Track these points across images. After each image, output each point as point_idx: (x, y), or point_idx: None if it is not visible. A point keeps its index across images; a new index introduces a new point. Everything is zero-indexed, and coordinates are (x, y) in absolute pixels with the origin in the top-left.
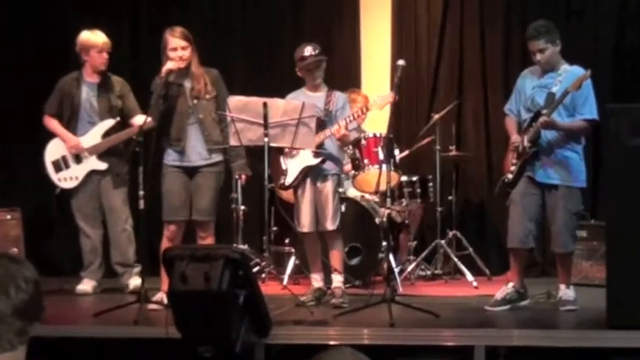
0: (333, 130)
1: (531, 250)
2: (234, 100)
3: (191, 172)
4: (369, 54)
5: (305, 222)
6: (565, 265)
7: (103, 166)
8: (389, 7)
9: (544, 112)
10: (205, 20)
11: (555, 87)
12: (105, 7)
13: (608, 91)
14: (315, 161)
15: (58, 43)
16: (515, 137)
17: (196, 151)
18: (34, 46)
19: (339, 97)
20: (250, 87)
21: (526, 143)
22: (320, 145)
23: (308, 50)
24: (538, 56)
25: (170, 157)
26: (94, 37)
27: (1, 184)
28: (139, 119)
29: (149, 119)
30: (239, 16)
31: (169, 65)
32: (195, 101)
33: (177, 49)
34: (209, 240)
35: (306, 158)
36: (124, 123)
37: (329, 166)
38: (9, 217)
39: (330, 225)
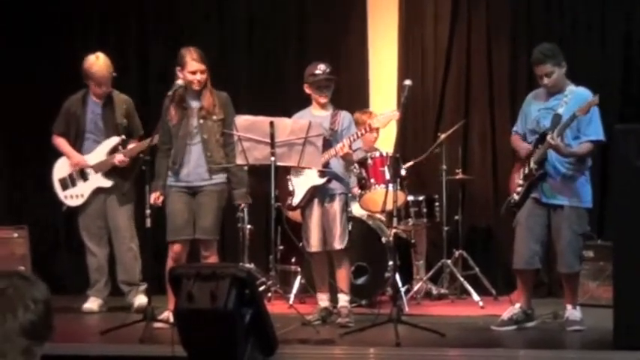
0: (337, 149)
1: (537, 271)
2: (241, 120)
3: (193, 191)
4: (377, 73)
5: (314, 242)
6: (571, 286)
7: (108, 183)
8: (396, 27)
9: (550, 133)
10: (212, 41)
11: (561, 108)
12: (112, 27)
13: (616, 111)
14: (321, 181)
15: (67, 63)
16: (527, 147)
17: (197, 171)
18: (42, 65)
19: (344, 116)
20: (257, 107)
21: (532, 165)
22: (325, 165)
23: (321, 68)
24: (545, 80)
25: (172, 178)
26: (94, 69)
27: (9, 202)
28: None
29: (156, 137)
30: (245, 35)
31: (179, 82)
32: (202, 121)
33: (197, 72)
34: (212, 259)
35: (311, 178)
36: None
37: (335, 185)
38: (16, 235)
39: (338, 244)
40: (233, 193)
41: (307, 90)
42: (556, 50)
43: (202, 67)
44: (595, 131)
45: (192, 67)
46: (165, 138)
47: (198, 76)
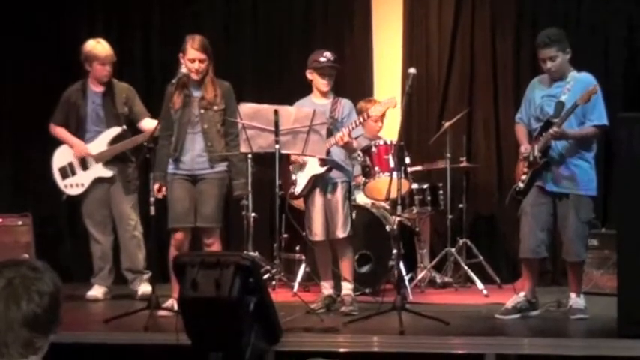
0: (337, 139)
1: (543, 260)
2: (245, 108)
3: (195, 179)
4: (381, 62)
5: (317, 230)
6: (576, 274)
7: (108, 173)
8: (400, 16)
9: (554, 121)
10: (216, 29)
11: (564, 95)
12: (117, 17)
13: (619, 99)
14: (322, 170)
15: (70, 53)
16: (525, 147)
17: (198, 160)
18: (46, 56)
19: (344, 104)
20: (261, 95)
21: (536, 153)
22: (326, 154)
23: (326, 55)
24: (548, 64)
25: (172, 166)
26: (97, 49)
27: (13, 190)
28: (147, 123)
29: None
30: (250, 24)
31: (183, 70)
32: (203, 111)
33: (195, 60)
34: (214, 247)
35: (313, 167)
36: (132, 128)
37: (337, 174)
38: (20, 223)
39: (341, 233)
40: (233, 184)
41: (309, 76)
42: (562, 36)
43: (201, 56)
44: (599, 116)
45: (190, 55)
46: (167, 124)
47: (196, 65)
